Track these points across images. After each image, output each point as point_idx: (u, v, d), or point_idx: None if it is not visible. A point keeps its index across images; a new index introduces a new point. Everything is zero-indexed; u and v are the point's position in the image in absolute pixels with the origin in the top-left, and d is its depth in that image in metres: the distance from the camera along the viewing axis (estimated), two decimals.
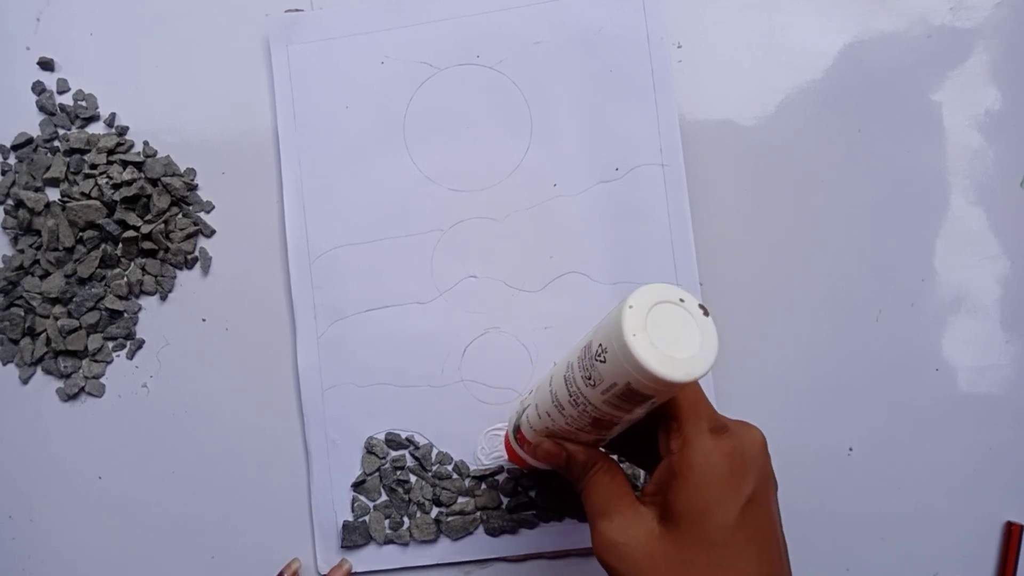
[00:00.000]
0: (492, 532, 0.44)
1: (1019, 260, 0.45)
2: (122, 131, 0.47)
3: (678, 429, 0.31)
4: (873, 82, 0.46)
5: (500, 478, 0.44)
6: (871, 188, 0.45)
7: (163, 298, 0.47)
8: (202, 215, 0.47)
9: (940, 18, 0.46)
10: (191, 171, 0.47)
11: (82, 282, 0.46)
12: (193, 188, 0.47)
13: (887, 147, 0.46)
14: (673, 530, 0.30)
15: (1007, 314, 0.45)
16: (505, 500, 0.44)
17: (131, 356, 0.46)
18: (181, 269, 0.47)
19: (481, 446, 0.44)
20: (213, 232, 0.47)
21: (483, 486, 0.44)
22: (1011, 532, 0.43)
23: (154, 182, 0.46)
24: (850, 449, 0.44)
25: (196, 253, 0.47)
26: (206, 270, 0.47)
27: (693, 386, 0.32)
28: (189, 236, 0.46)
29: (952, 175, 0.45)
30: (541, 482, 0.44)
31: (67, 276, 0.46)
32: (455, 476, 0.44)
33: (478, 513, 0.44)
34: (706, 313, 0.29)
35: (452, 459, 0.44)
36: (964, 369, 0.44)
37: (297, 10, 0.47)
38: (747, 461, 0.30)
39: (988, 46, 0.46)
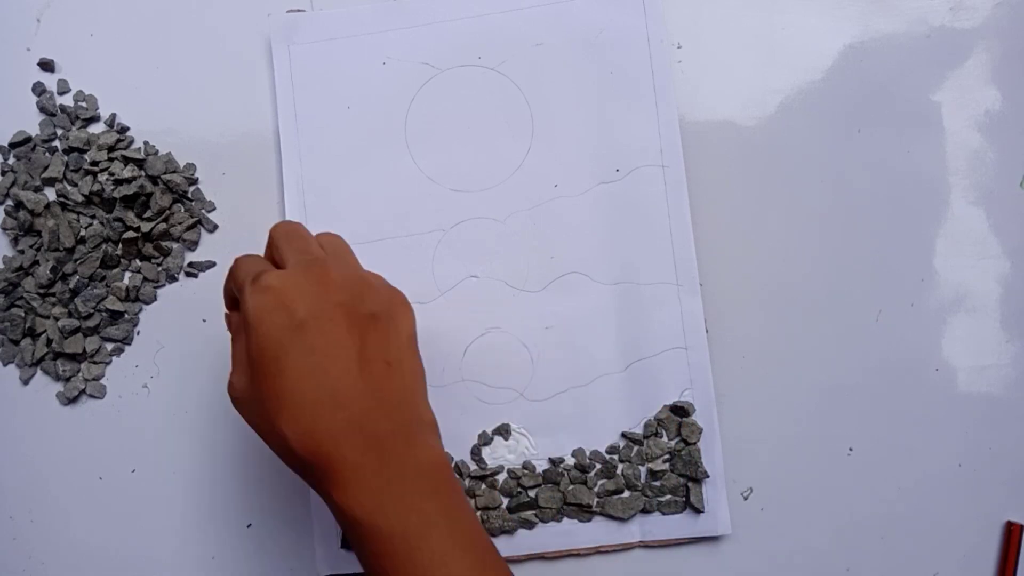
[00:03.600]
0: (492, 532, 0.44)
1: (1019, 260, 0.45)
2: (122, 131, 0.47)
3: (239, 289, 0.35)
4: (873, 82, 0.46)
5: (500, 478, 0.44)
6: (871, 188, 0.45)
7: (163, 299, 0.47)
8: (203, 213, 0.47)
9: (940, 18, 0.46)
10: (191, 166, 0.47)
11: (83, 283, 0.46)
12: (194, 183, 0.47)
13: (887, 147, 0.46)
14: (252, 374, 0.34)
15: (1007, 314, 0.45)
16: (505, 500, 0.44)
17: (131, 357, 0.46)
18: (178, 276, 0.47)
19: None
20: (216, 227, 0.47)
21: (483, 486, 0.44)
22: (1011, 532, 0.43)
23: (155, 181, 0.46)
24: (850, 449, 0.44)
25: (200, 243, 0.46)
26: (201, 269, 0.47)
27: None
28: (190, 228, 0.46)
29: (952, 175, 0.45)
30: (542, 482, 0.44)
31: (67, 276, 0.46)
32: (455, 476, 0.44)
33: (478, 513, 0.44)
34: None
35: (452, 459, 0.44)
36: (964, 369, 0.44)
37: (299, 10, 0.47)
38: (288, 292, 0.33)
39: (988, 46, 0.46)
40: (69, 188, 0.46)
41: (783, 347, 0.45)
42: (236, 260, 0.37)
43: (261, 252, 0.46)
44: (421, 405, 0.35)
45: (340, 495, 0.32)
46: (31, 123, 0.47)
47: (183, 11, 0.48)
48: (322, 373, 0.32)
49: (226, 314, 0.40)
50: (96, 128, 0.48)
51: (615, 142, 0.45)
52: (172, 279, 0.47)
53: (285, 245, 0.36)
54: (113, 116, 0.47)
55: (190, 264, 0.47)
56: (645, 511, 0.44)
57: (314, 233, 0.38)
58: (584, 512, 0.44)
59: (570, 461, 0.44)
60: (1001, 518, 0.44)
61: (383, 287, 0.37)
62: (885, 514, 0.44)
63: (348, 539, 0.34)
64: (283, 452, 0.33)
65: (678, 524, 0.44)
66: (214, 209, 0.47)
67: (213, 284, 0.47)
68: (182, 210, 0.47)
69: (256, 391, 0.33)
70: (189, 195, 0.47)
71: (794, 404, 0.45)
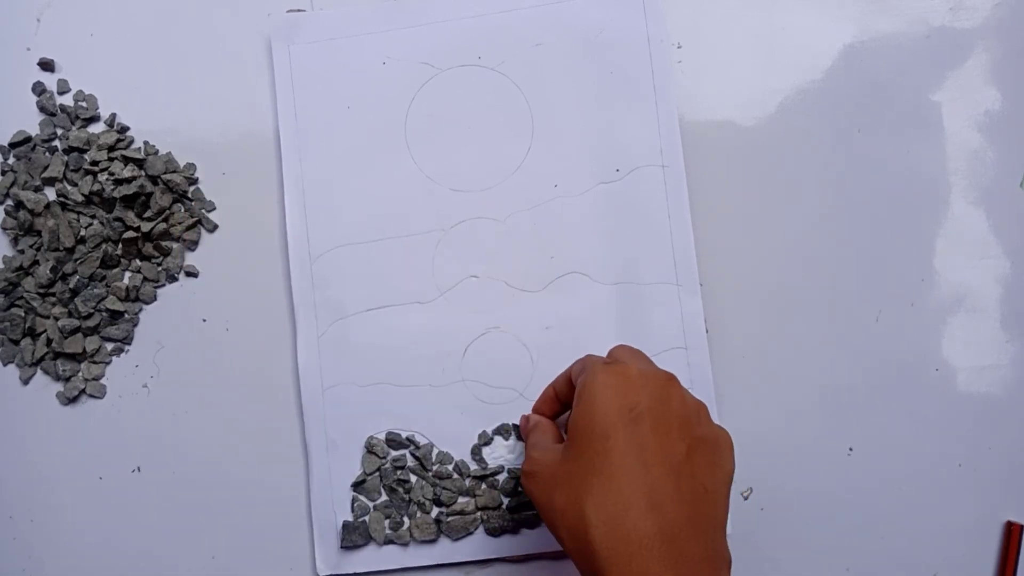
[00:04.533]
0: (493, 532, 0.44)
1: (1019, 260, 0.45)
2: (122, 131, 0.47)
3: (585, 368, 0.36)
4: (873, 82, 0.46)
5: (500, 478, 0.44)
6: (871, 188, 0.45)
7: (163, 299, 0.47)
8: (203, 213, 0.47)
9: (940, 18, 0.46)
10: (191, 166, 0.47)
11: (83, 282, 0.46)
12: (194, 182, 0.47)
13: (887, 147, 0.46)
14: (569, 447, 0.34)
15: (1007, 314, 0.45)
16: (506, 500, 0.44)
17: (131, 357, 0.46)
18: (178, 276, 0.47)
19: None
20: (216, 227, 0.47)
21: (483, 486, 0.44)
22: (1011, 532, 0.43)
23: (155, 181, 0.46)
24: (850, 449, 0.44)
25: (200, 243, 0.46)
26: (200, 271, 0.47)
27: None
28: (190, 227, 0.46)
29: (952, 175, 0.45)
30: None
31: (67, 276, 0.46)
32: (455, 476, 0.44)
33: (478, 513, 0.44)
34: None
35: (452, 459, 0.44)
36: (964, 369, 0.44)
37: (299, 10, 0.47)
38: (635, 381, 0.33)
39: (988, 46, 0.46)
40: (69, 188, 0.46)
41: (783, 347, 0.45)
42: (581, 359, 0.39)
43: (262, 252, 0.46)
44: (725, 542, 0.33)
45: None
46: (31, 123, 0.47)
47: (183, 11, 0.48)
48: (645, 470, 0.31)
49: (524, 416, 0.43)
50: (96, 128, 0.48)
51: (615, 142, 0.45)
52: (172, 279, 0.47)
53: (631, 357, 0.37)
54: (113, 116, 0.47)
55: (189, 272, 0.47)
56: None
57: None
58: None
59: None
60: (1001, 518, 0.44)
61: (717, 425, 0.36)
62: (885, 514, 0.44)
63: None
64: (573, 535, 0.32)
65: None
66: (214, 209, 0.47)
67: (213, 284, 0.47)
68: (182, 210, 0.47)
69: (569, 465, 0.33)
70: (189, 195, 0.47)
71: (794, 404, 0.45)
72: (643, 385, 0.33)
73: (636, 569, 0.30)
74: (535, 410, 0.43)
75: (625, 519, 0.30)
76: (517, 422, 0.44)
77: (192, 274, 0.47)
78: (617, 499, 0.31)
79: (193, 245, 0.47)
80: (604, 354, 0.44)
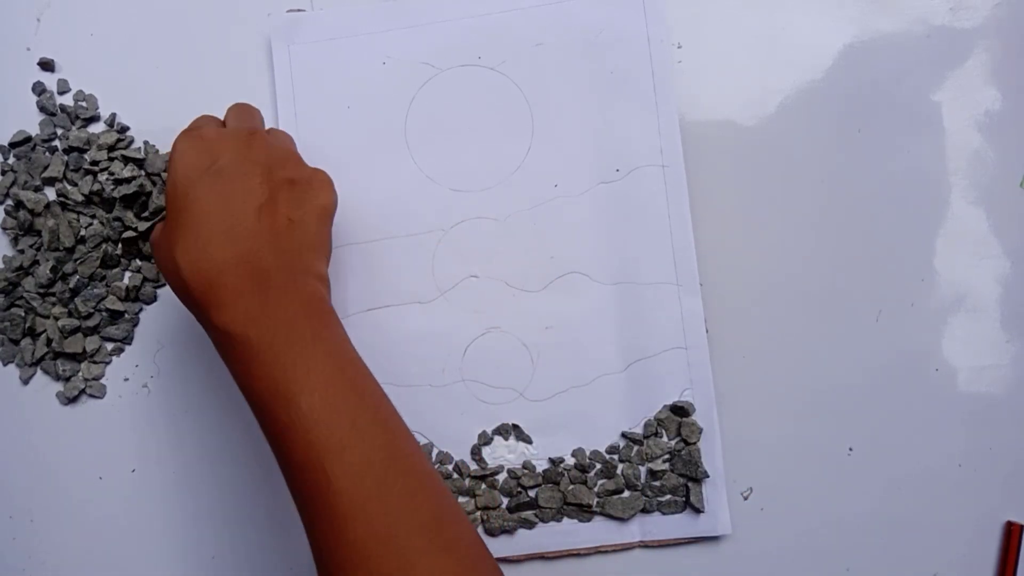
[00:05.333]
0: (492, 532, 0.44)
1: (1019, 260, 0.45)
2: (122, 131, 0.47)
3: None
4: (873, 82, 0.46)
5: (500, 478, 0.44)
6: (871, 188, 0.45)
7: (163, 299, 0.47)
8: None
9: (940, 18, 0.46)
10: None
11: (83, 282, 0.46)
12: None
13: (887, 147, 0.46)
14: (167, 215, 0.37)
15: (1007, 314, 0.45)
16: (505, 500, 0.44)
17: (131, 357, 0.46)
18: None
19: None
20: None
21: (483, 486, 0.44)
22: (1011, 532, 0.43)
23: (154, 181, 0.46)
24: (850, 449, 0.44)
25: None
26: None
27: None
28: None
29: (952, 175, 0.45)
30: (542, 482, 0.44)
31: (67, 276, 0.46)
32: (455, 476, 0.44)
33: (478, 513, 0.44)
34: None
35: (452, 459, 0.44)
36: (964, 369, 0.44)
37: (299, 10, 0.47)
38: (213, 142, 0.37)
39: (988, 46, 0.46)
40: (69, 188, 0.46)
41: (783, 347, 0.45)
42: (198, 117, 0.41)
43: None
44: (315, 262, 0.37)
45: (218, 315, 0.34)
46: (31, 123, 0.47)
47: (183, 11, 0.48)
48: (224, 212, 0.35)
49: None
50: (96, 128, 0.48)
51: (615, 142, 0.45)
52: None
53: (234, 116, 0.40)
54: (113, 116, 0.47)
55: None
56: (645, 511, 0.44)
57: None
58: (584, 512, 0.44)
59: (570, 461, 0.44)
60: (1001, 518, 0.44)
61: (309, 166, 0.39)
62: (885, 514, 0.44)
63: (222, 357, 0.36)
64: (178, 284, 0.35)
65: (678, 524, 0.44)
66: None
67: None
68: None
69: (165, 228, 0.36)
70: None
71: (794, 404, 0.45)
72: (220, 143, 0.36)
73: (218, 288, 0.34)
74: None
75: (205, 253, 0.34)
76: (517, 422, 0.44)
77: None
78: (197, 239, 0.34)
79: None
80: (604, 355, 0.44)
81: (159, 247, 0.37)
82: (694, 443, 0.44)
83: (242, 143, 0.37)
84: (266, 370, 0.34)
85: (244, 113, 0.40)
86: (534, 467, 0.44)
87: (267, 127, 0.42)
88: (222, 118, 0.40)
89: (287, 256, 0.36)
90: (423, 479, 0.34)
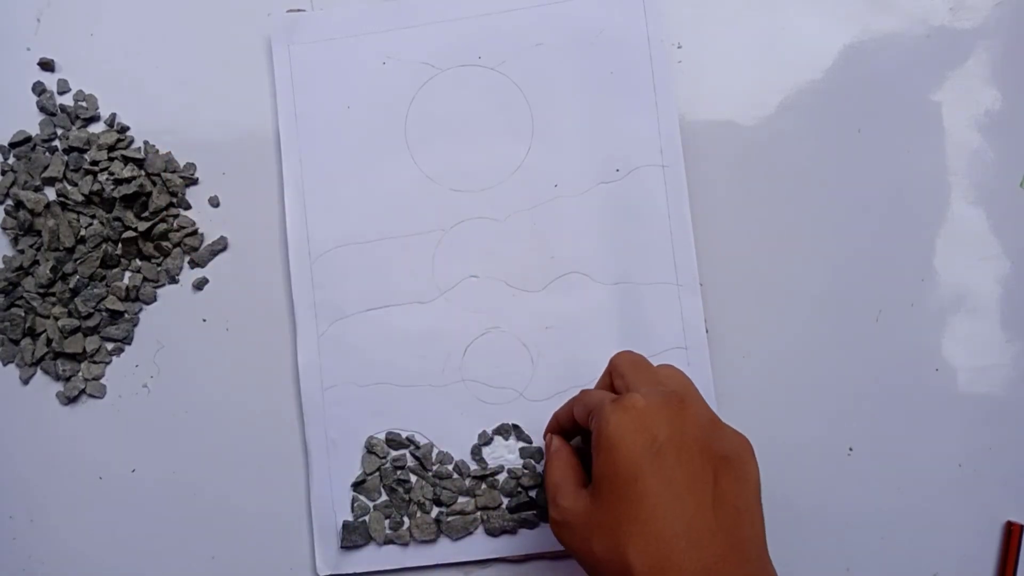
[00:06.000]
0: (492, 532, 0.44)
1: (1019, 260, 0.45)
2: (122, 131, 0.47)
3: (594, 410, 0.35)
4: (873, 82, 0.46)
5: (500, 478, 0.44)
6: (871, 188, 0.45)
7: (163, 299, 0.47)
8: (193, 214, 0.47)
9: (940, 18, 0.46)
10: (191, 166, 0.47)
11: (83, 282, 0.46)
12: (194, 182, 0.47)
13: (887, 147, 0.46)
14: (598, 495, 0.33)
15: (1007, 314, 0.45)
16: (505, 500, 0.44)
17: (131, 357, 0.46)
18: (178, 277, 0.47)
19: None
20: (225, 243, 0.47)
21: (483, 486, 0.44)
22: (1011, 532, 0.43)
23: (154, 181, 0.46)
24: (850, 449, 0.44)
25: (200, 251, 0.46)
26: (203, 264, 0.47)
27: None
28: (190, 235, 0.46)
29: (952, 175, 0.45)
30: (541, 482, 0.44)
31: (67, 276, 0.46)
32: (456, 476, 0.44)
33: (478, 513, 0.44)
34: None
35: (453, 459, 0.44)
36: (964, 369, 0.44)
37: (299, 10, 0.47)
38: (649, 413, 0.32)
39: (988, 46, 0.46)
40: (69, 188, 0.46)
41: (783, 347, 0.45)
42: (586, 391, 0.38)
43: (262, 252, 0.46)
44: (767, 559, 0.33)
45: None
46: (31, 123, 0.47)
47: (183, 11, 0.48)
48: (680, 506, 0.31)
49: (548, 435, 0.41)
50: (96, 128, 0.48)
51: (615, 142, 0.45)
52: (172, 279, 0.47)
53: (633, 374, 0.36)
54: (113, 116, 0.47)
55: (193, 264, 0.47)
56: None
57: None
58: None
59: None
60: (1001, 518, 0.44)
61: (733, 431, 0.35)
62: (885, 514, 0.44)
63: None
64: None
65: None
66: (219, 206, 0.47)
67: (213, 284, 0.47)
68: (182, 212, 0.47)
69: (606, 516, 0.32)
70: (180, 198, 0.47)
71: (794, 404, 0.45)
72: (657, 415, 0.32)
73: None
74: (555, 428, 0.41)
75: (668, 564, 0.30)
76: (517, 422, 0.44)
77: (200, 287, 0.46)
78: (658, 544, 0.30)
79: (192, 251, 0.47)
80: (604, 355, 0.44)
81: (578, 529, 0.33)
82: None
83: (673, 411, 0.33)
84: None
85: (644, 368, 0.36)
86: (534, 467, 0.44)
87: (656, 367, 0.37)
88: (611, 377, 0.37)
89: (748, 564, 0.31)
90: None
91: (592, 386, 0.41)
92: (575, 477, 0.37)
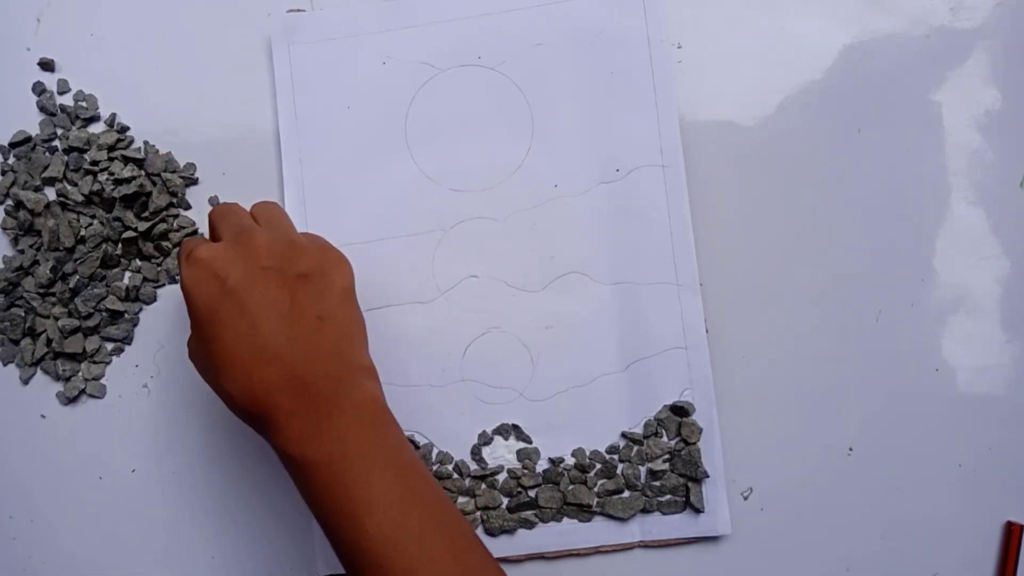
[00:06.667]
0: (492, 532, 0.44)
1: (1019, 260, 0.45)
2: (122, 131, 0.47)
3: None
4: (873, 82, 0.46)
5: (500, 478, 0.44)
6: (871, 188, 0.45)
7: (163, 299, 0.47)
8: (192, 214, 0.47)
9: (940, 18, 0.46)
10: (191, 166, 0.47)
11: (83, 282, 0.46)
12: (194, 182, 0.47)
13: (887, 147, 0.46)
14: (194, 339, 0.37)
15: (1007, 314, 0.45)
16: (505, 500, 0.44)
17: (131, 357, 0.46)
18: (178, 277, 0.47)
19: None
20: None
21: (483, 486, 0.44)
22: (1011, 532, 0.43)
23: (154, 181, 0.46)
24: (850, 449, 0.44)
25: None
26: None
27: None
28: (190, 235, 0.46)
29: (952, 175, 0.45)
30: (542, 482, 0.44)
31: (67, 276, 0.46)
32: (455, 476, 0.44)
33: (478, 513, 0.44)
34: None
35: (452, 459, 0.44)
36: (964, 369, 0.44)
37: (299, 10, 0.47)
38: (216, 262, 0.35)
39: (988, 46, 0.46)
40: (69, 188, 0.46)
41: (783, 347, 0.45)
42: (183, 241, 0.40)
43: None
44: (356, 353, 0.37)
45: (276, 437, 0.35)
46: (31, 123, 0.47)
47: (183, 11, 0.48)
48: (254, 332, 0.34)
49: None
50: (96, 128, 0.48)
51: (615, 142, 0.45)
52: (172, 279, 0.47)
53: (220, 222, 0.39)
54: (113, 116, 0.47)
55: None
56: (645, 511, 0.44)
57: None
58: (584, 512, 0.44)
59: (570, 461, 0.44)
60: (1001, 518, 0.44)
61: (314, 248, 0.38)
62: (885, 514, 0.44)
63: (291, 479, 0.36)
64: (229, 405, 0.36)
65: (678, 524, 0.44)
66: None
67: None
68: (182, 212, 0.47)
69: (201, 351, 0.36)
70: (179, 198, 0.47)
71: (794, 404, 0.45)
72: (224, 259, 0.35)
73: (271, 411, 0.34)
74: None
75: (250, 379, 0.34)
76: (517, 422, 0.44)
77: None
78: (240, 366, 0.34)
79: None
80: (604, 355, 0.44)
81: (201, 368, 0.38)
82: (694, 443, 0.44)
83: (244, 251, 0.36)
84: (328, 491, 0.34)
85: (228, 214, 0.39)
86: (534, 467, 0.44)
87: (249, 207, 0.41)
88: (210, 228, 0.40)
89: (327, 361, 0.35)
90: None
91: (591, 385, 0.41)
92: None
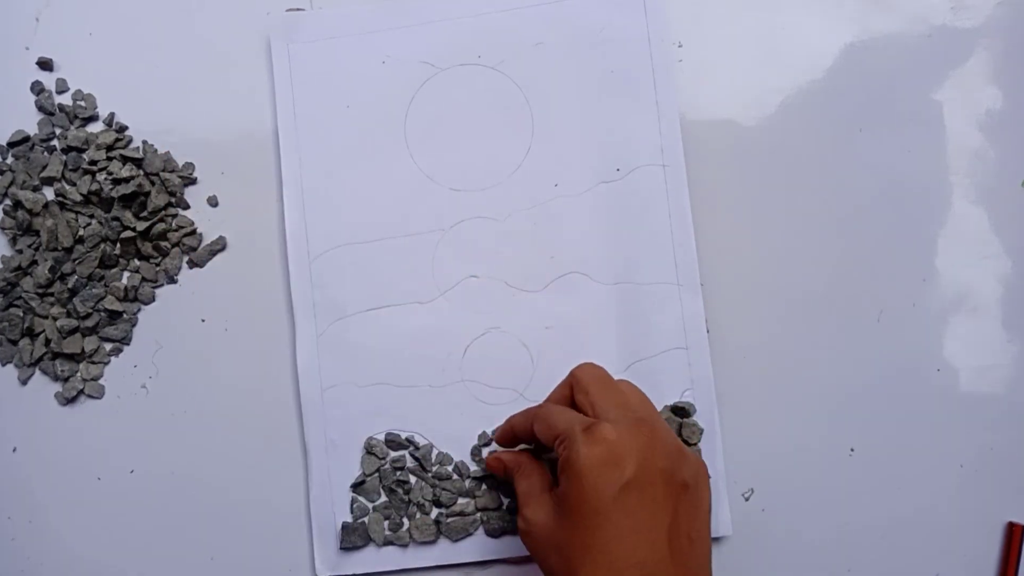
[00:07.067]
0: (492, 533, 0.44)
1: (1020, 260, 0.45)
2: (121, 130, 0.47)
3: (562, 436, 0.36)
4: (873, 82, 0.46)
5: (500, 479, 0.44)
6: (871, 188, 0.45)
7: (162, 299, 0.46)
8: (191, 214, 0.47)
9: (940, 18, 0.46)
10: (190, 165, 0.47)
11: (82, 282, 0.46)
12: (192, 182, 0.47)
13: (887, 147, 0.46)
14: (561, 516, 0.35)
15: (1008, 314, 0.45)
16: (506, 501, 0.44)
17: (129, 357, 0.46)
18: (177, 276, 0.47)
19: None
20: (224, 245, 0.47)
21: (483, 487, 0.44)
22: (1012, 532, 0.43)
23: (152, 180, 0.46)
24: (851, 449, 0.44)
25: (199, 250, 0.46)
26: (202, 263, 0.47)
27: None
28: (188, 235, 0.46)
29: (952, 175, 0.45)
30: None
31: (65, 276, 0.46)
32: (455, 477, 0.44)
33: (478, 514, 0.44)
34: None
35: (452, 460, 0.44)
36: (965, 369, 0.44)
37: (298, 9, 0.47)
38: (618, 447, 0.33)
39: (988, 46, 0.46)
40: (67, 187, 0.46)
41: (784, 347, 0.45)
42: (549, 408, 0.38)
43: (261, 251, 0.46)
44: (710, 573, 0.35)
45: None
46: (29, 122, 0.47)
47: (182, 10, 0.48)
48: (636, 538, 0.32)
49: (494, 455, 0.42)
50: (95, 127, 0.47)
51: (615, 141, 0.45)
52: (171, 279, 0.47)
53: (599, 393, 0.37)
54: (112, 115, 0.47)
55: (191, 264, 0.47)
56: None
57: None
58: None
59: None
60: (1002, 519, 0.44)
61: (694, 457, 0.36)
62: (886, 514, 0.44)
63: None
64: None
65: None
66: (217, 205, 0.47)
67: (212, 284, 0.46)
68: (180, 212, 0.47)
69: (566, 536, 0.34)
70: (177, 198, 0.46)
71: (795, 404, 0.44)
72: (627, 448, 0.33)
73: None
74: (500, 442, 0.43)
75: None
76: None
77: (198, 264, 0.46)
78: (608, 568, 0.32)
79: (191, 251, 0.47)
80: (604, 355, 0.44)
81: (541, 544, 0.35)
82: (695, 443, 0.43)
83: (642, 443, 0.34)
84: None
85: (607, 387, 0.37)
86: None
87: (618, 382, 0.39)
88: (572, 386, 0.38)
89: None
90: None
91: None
92: (541, 481, 0.38)
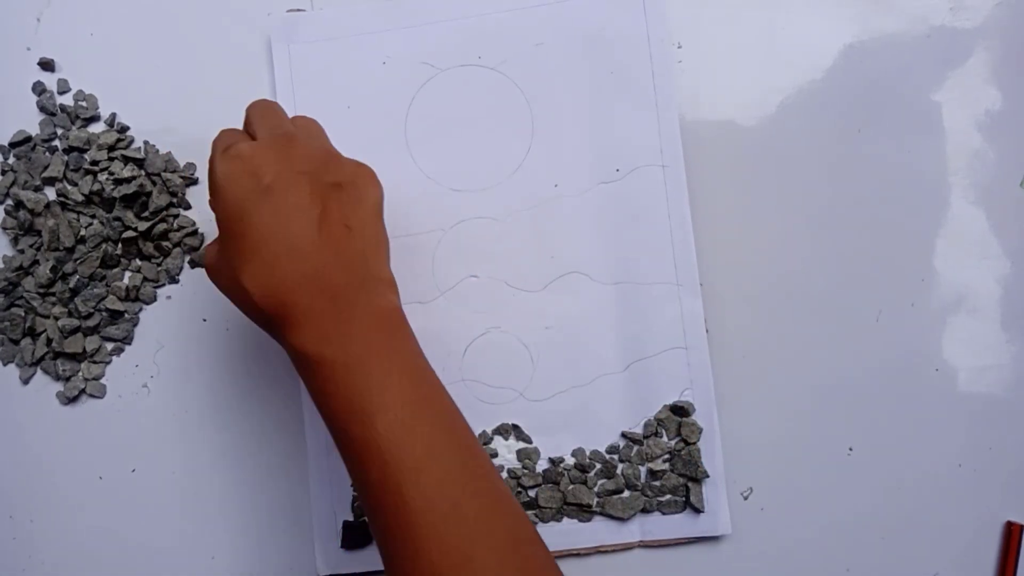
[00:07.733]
0: None
1: (1019, 260, 0.45)
2: (122, 130, 0.47)
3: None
4: (873, 82, 0.46)
5: None
6: (871, 188, 0.45)
7: (163, 299, 0.47)
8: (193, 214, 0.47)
9: (940, 18, 0.46)
10: (191, 165, 0.47)
11: (83, 282, 0.46)
12: (194, 182, 0.47)
13: (887, 147, 0.46)
14: (220, 238, 0.36)
15: (1007, 314, 0.45)
16: None
17: (131, 357, 0.46)
18: (178, 276, 0.47)
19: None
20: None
21: None
22: (1011, 532, 0.43)
23: (154, 181, 0.46)
24: (850, 449, 0.44)
25: (200, 250, 0.47)
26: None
27: None
28: (190, 234, 0.46)
29: (952, 175, 0.45)
30: (542, 482, 0.44)
31: (67, 276, 0.46)
32: None
33: None
34: None
35: None
36: (964, 369, 0.44)
37: (299, 10, 0.47)
38: (254, 159, 0.35)
39: (988, 46, 0.46)
40: (69, 188, 0.46)
41: (783, 347, 0.45)
42: (218, 135, 0.39)
43: None
44: (380, 266, 0.37)
45: (291, 335, 0.34)
46: (31, 122, 0.47)
47: (183, 10, 0.48)
48: (283, 231, 0.34)
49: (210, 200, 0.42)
50: (96, 127, 0.47)
51: (615, 142, 0.45)
52: (172, 279, 0.47)
53: (258, 120, 0.38)
54: (113, 115, 0.47)
55: (193, 264, 0.47)
56: (645, 511, 0.44)
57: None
58: (584, 512, 0.44)
59: (570, 461, 0.44)
60: (1001, 518, 0.44)
61: (350, 161, 0.38)
62: (885, 514, 0.44)
63: (301, 378, 0.36)
64: (247, 307, 0.36)
65: (678, 524, 0.44)
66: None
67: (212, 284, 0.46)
68: (182, 212, 0.47)
69: (224, 253, 0.36)
70: (179, 198, 0.47)
71: (794, 404, 0.45)
72: (262, 159, 0.35)
73: (290, 308, 0.34)
74: None
75: (272, 276, 0.34)
76: (517, 422, 0.44)
77: (198, 264, 0.46)
78: (262, 263, 0.34)
79: (193, 250, 0.47)
80: (604, 355, 0.44)
81: (218, 272, 0.37)
82: (694, 443, 0.44)
83: (282, 153, 0.36)
84: (342, 390, 0.34)
85: (269, 114, 0.39)
86: (534, 467, 0.44)
87: (290, 116, 0.41)
88: (242, 125, 0.39)
89: (353, 267, 0.35)
90: (498, 499, 0.34)
91: (591, 385, 0.41)
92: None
